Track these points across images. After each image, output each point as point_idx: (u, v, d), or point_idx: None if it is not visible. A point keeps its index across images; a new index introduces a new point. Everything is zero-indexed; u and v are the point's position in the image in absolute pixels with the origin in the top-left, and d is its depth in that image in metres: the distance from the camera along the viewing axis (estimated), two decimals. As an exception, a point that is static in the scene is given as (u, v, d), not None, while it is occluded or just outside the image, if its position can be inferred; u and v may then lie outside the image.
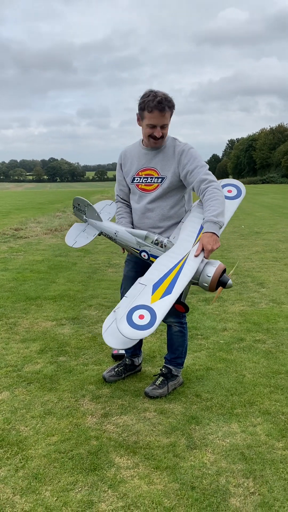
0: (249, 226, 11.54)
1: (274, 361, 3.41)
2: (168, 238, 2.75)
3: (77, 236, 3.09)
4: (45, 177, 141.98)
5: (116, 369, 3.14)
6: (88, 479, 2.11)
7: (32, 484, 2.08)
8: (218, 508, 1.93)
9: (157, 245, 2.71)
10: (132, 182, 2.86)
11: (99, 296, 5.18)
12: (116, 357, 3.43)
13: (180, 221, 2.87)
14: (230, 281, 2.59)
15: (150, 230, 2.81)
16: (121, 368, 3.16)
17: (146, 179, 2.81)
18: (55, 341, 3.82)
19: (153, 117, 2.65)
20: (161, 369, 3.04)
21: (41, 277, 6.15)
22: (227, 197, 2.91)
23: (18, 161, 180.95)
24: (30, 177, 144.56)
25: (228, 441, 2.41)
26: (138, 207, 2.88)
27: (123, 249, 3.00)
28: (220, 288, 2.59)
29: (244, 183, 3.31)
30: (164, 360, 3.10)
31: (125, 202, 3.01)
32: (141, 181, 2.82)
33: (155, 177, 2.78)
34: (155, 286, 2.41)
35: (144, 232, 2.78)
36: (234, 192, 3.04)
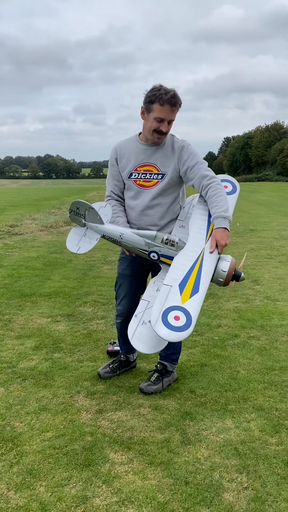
0: (244, 223, 11.57)
1: (268, 358, 3.43)
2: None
3: (79, 242, 2.90)
4: (41, 173, 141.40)
5: (111, 366, 3.15)
6: (83, 474, 2.12)
7: (26, 479, 2.09)
8: (211, 503, 1.95)
9: (167, 244, 2.66)
10: (129, 177, 2.83)
11: (95, 293, 5.18)
12: (111, 353, 3.44)
13: (176, 218, 2.88)
14: (242, 274, 2.62)
15: (148, 228, 2.80)
16: (116, 364, 3.16)
17: (144, 175, 2.79)
18: (50, 337, 3.82)
19: (163, 111, 2.63)
20: (156, 366, 3.05)
21: (36, 273, 6.14)
22: None
23: (14, 157, 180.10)
24: (26, 174, 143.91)
25: (222, 436, 2.43)
26: (135, 204, 2.84)
27: (128, 251, 2.85)
28: (234, 282, 2.61)
29: (239, 180, 3.33)
30: (159, 357, 3.11)
31: (119, 199, 2.94)
32: (139, 177, 2.80)
33: (155, 173, 2.78)
34: (181, 286, 2.38)
35: (153, 232, 2.71)
36: (230, 187, 3.05)
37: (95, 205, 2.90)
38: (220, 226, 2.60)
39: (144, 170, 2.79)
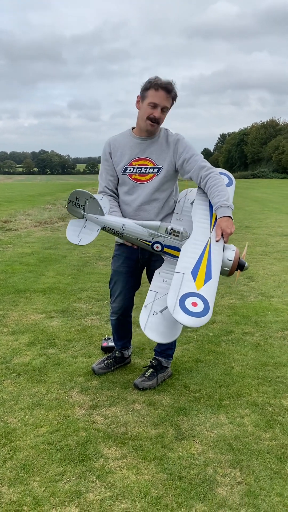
0: (239, 220, 11.58)
1: (262, 354, 3.45)
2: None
3: (80, 233, 2.78)
4: (35, 169, 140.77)
5: (105, 361, 3.15)
6: (76, 469, 2.12)
7: (20, 475, 2.08)
8: (205, 497, 1.95)
9: (171, 234, 2.63)
10: (124, 172, 2.80)
11: (89, 289, 5.17)
12: (106, 349, 3.44)
13: (171, 213, 2.87)
14: (246, 264, 2.63)
15: None
16: (110, 360, 3.16)
17: (140, 169, 2.78)
18: (44, 333, 3.81)
19: (157, 96, 2.64)
20: (150, 361, 3.05)
21: (30, 269, 6.12)
22: None
23: (8, 153, 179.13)
24: (20, 169, 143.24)
25: (215, 432, 2.43)
26: (131, 199, 2.81)
27: (132, 244, 2.78)
28: (238, 271, 2.61)
29: (235, 177, 3.32)
30: (154, 353, 3.11)
31: (113, 194, 2.90)
32: (134, 171, 2.79)
33: (150, 167, 2.77)
34: (194, 273, 2.37)
35: (157, 223, 2.67)
36: (226, 180, 3.06)
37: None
38: (224, 215, 2.60)
39: (139, 164, 2.78)
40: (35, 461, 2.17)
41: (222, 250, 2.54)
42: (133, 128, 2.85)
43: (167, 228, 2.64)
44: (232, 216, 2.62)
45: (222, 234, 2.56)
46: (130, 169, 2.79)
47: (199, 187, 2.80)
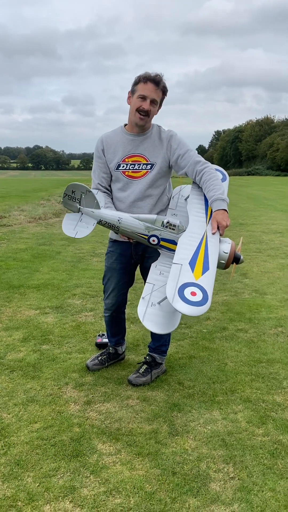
0: (234, 217, 11.60)
1: (255, 350, 3.47)
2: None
3: (76, 226, 2.76)
4: (30, 165, 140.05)
5: (99, 358, 3.15)
6: (71, 465, 2.13)
7: (14, 470, 2.08)
8: (198, 492, 1.97)
9: (168, 227, 2.64)
10: (117, 169, 2.80)
11: (84, 285, 5.17)
12: (100, 345, 3.44)
13: (164, 210, 2.88)
14: (242, 257, 2.65)
15: None
16: (104, 356, 3.17)
17: (133, 166, 2.78)
18: (39, 329, 3.81)
19: (146, 88, 2.65)
20: (145, 358, 3.06)
21: (25, 265, 6.10)
22: None
23: (2, 148, 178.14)
24: (14, 165, 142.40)
25: (209, 427, 2.45)
26: (124, 196, 2.82)
27: (128, 237, 2.78)
28: (234, 264, 2.63)
29: (229, 174, 3.33)
30: (148, 349, 3.12)
31: (107, 191, 2.90)
32: (127, 168, 2.79)
33: (143, 164, 2.77)
34: (192, 264, 2.38)
35: (153, 216, 2.68)
36: (220, 176, 3.07)
37: None
38: (219, 208, 2.61)
39: (132, 161, 2.78)
40: (29, 457, 2.18)
41: (218, 242, 2.56)
42: (126, 125, 2.85)
43: (163, 222, 2.64)
44: (227, 210, 2.63)
45: (218, 227, 2.58)
46: (123, 166, 2.79)
47: (194, 182, 2.81)
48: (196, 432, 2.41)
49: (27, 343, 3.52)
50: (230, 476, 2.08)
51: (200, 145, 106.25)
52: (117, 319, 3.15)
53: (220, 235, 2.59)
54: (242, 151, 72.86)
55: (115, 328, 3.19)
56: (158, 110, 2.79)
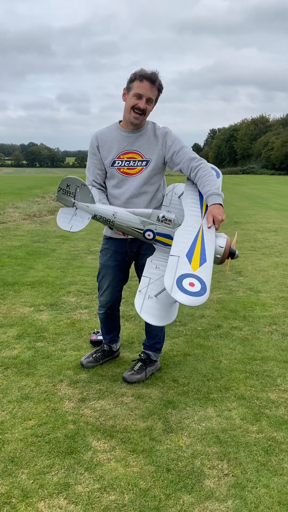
0: (229, 216, 11.63)
1: (250, 348, 3.48)
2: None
3: (71, 220, 2.73)
4: (24, 162, 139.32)
5: (94, 355, 3.15)
6: (65, 462, 2.13)
7: (8, 467, 2.08)
8: (192, 489, 1.98)
9: (163, 222, 2.63)
10: (112, 165, 2.79)
11: (78, 283, 5.16)
12: (95, 343, 3.44)
13: (158, 207, 2.88)
14: (237, 252, 2.66)
15: None
16: (99, 354, 3.16)
17: (128, 162, 2.77)
18: (33, 326, 3.80)
19: (142, 86, 2.64)
20: (139, 355, 3.06)
21: (19, 263, 6.08)
22: None
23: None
24: (9, 162, 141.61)
25: (203, 425, 2.46)
26: (119, 193, 2.81)
27: (123, 232, 2.76)
28: (229, 259, 2.63)
29: (224, 173, 3.34)
30: (142, 346, 3.12)
31: (101, 188, 2.89)
32: (122, 165, 2.78)
33: (139, 160, 2.76)
34: (189, 256, 2.38)
35: (149, 210, 2.66)
36: (214, 173, 3.08)
37: None
38: (215, 202, 2.61)
39: (127, 158, 2.77)
40: (24, 454, 2.17)
41: (214, 236, 2.56)
42: (120, 121, 2.85)
43: (158, 216, 2.63)
44: (222, 204, 2.63)
45: (213, 221, 2.58)
46: (118, 163, 2.78)
47: (188, 179, 2.81)
48: (190, 429, 2.42)
49: (21, 340, 3.51)
50: (224, 473, 2.09)
51: (195, 143, 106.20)
52: (111, 316, 3.15)
53: (216, 229, 2.59)
54: (237, 149, 72.96)
55: (109, 325, 3.18)
56: (153, 107, 2.78)
